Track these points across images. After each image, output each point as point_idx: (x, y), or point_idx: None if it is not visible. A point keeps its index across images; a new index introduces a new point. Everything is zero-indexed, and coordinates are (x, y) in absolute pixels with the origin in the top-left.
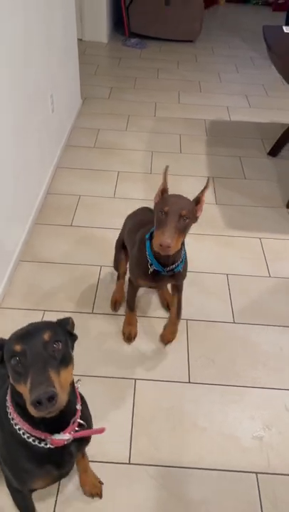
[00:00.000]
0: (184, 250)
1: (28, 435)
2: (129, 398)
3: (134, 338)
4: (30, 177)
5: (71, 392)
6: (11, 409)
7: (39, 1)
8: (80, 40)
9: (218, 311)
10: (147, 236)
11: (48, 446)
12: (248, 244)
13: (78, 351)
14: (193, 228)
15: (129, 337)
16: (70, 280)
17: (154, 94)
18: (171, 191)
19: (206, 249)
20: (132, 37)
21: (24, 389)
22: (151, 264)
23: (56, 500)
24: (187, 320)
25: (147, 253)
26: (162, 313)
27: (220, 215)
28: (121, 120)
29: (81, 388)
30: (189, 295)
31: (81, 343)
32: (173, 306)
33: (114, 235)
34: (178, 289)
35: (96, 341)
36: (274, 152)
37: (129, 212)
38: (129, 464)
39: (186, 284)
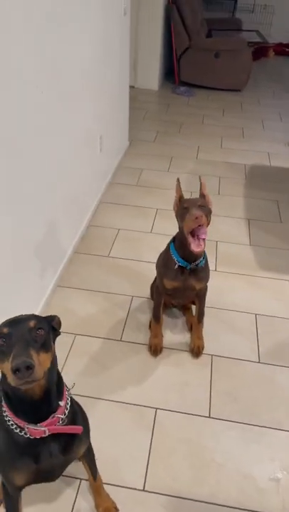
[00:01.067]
0: (205, 252)
1: (12, 423)
2: (149, 426)
3: (161, 351)
4: (76, 209)
5: (50, 385)
6: (3, 396)
7: (97, 52)
8: (132, 87)
9: (244, 349)
10: (170, 241)
11: (27, 435)
12: (279, 286)
13: (104, 376)
14: (226, 266)
15: (155, 350)
16: (102, 307)
17: (198, 138)
18: (208, 229)
19: (237, 288)
20: (182, 85)
21: (7, 365)
22: (176, 262)
23: None
24: (212, 355)
25: (172, 254)
26: (186, 345)
27: (253, 255)
28: (164, 161)
29: (104, 412)
30: (217, 331)
31: (107, 367)
32: (195, 314)
33: (148, 267)
34: (200, 298)
35: (121, 368)
36: None
37: (164, 247)
38: (144, 491)
39: (214, 320)
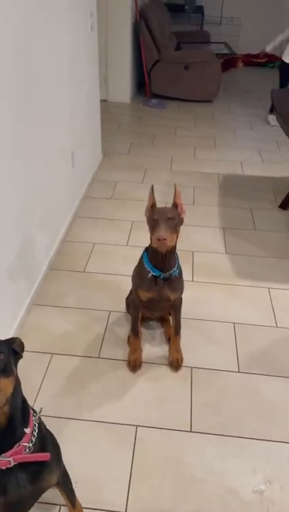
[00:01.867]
0: (178, 262)
1: None
2: (130, 445)
3: (140, 366)
4: (50, 224)
5: (14, 412)
6: None
7: (65, 69)
8: (104, 100)
9: (223, 359)
10: (144, 251)
11: None
12: (257, 294)
13: (83, 395)
14: (202, 276)
15: (134, 365)
16: (79, 324)
17: (171, 149)
18: (183, 239)
19: (214, 298)
20: (153, 97)
21: None
22: (149, 271)
23: None
24: (192, 368)
25: (145, 263)
26: (165, 358)
27: (229, 264)
28: (138, 173)
29: (83, 432)
30: (195, 342)
31: (85, 386)
32: (172, 326)
33: (124, 281)
34: (176, 309)
35: (100, 386)
36: (284, 205)
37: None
38: None
39: (193, 331)
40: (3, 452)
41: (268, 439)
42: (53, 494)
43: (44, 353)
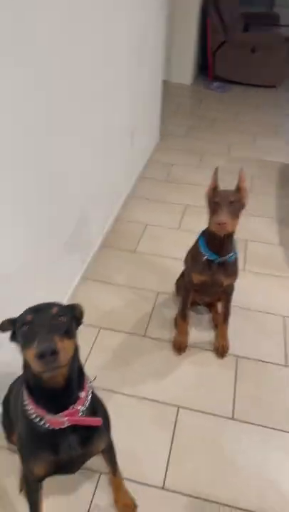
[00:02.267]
0: (235, 247)
1: (32, 412)
2: (170, 424)
3: (185, 349)
4: (105, 203)
5: (72, 375)
6: (23, 385)
7: (133, 47)
8: (165, 81)
9: (270, 352)
10: (200, 234)
11: (46, 426)
12: None
13: (127, 371)
14: (255, 266)
15: (179, 348)
16: (127, 302)
17: (230, 135)
18: (238, 227)
19: (265, 289)
20: (215, 80)
21: (31, 352)
22: (204, 255)
23: (89, 510)
24: (237, 356)
25: (200, 246)
26: (211, 343)
27: (283, 256)
28: (195, 157)
29: (125, 406)
30: (242, 332)
31: (130, 363)
32: (221, 313)
33: (174, 264)
34: (227, 296)
35: (144, 364)
36: None
37: (191, 244)
38: (163, 489)
39: (241, 320)
40: (59, 412)
41: None
42: (94, 462)
43: (92, 326)
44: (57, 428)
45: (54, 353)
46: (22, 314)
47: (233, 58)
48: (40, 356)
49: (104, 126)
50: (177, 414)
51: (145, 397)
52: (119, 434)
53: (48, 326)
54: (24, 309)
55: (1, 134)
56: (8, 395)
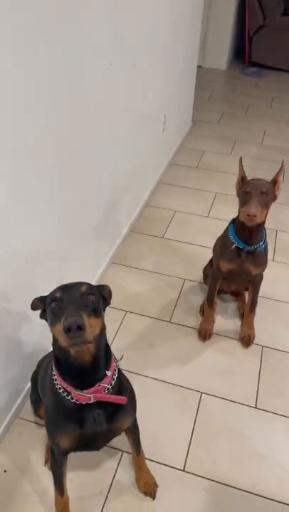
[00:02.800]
0: (265, 237)
1: (60, 386)
2: (193, 409)
3: (210, 337)
4: (135, 187)
5: (99, 352)
6: (53, 361)
7: (168, 30)
8: (199, 66)
9: None
10: (230, 222)
11: (73, 400)
12: None
13: (151, 355)
14: (284, 257)
15: (204, 335)
16: (153, 287)
17: (264, 122)
18: (268, 216)
19: None
20: (252, 66)
21: (59, 327)
22: (234, 243)
23: (110, 488)
24: (263, 346)
25: (230, 234)
26: (236, 332)
27: None
28: (227, 144)
29: (149, 389)
30: (268, 322)
31: (155, 347)
32: (248, 302)
33: (202, 252)
34: (255, 286)
35: (169, 349)
36: None
37: (220, 233)
38: (184, 471)
39: (268, 310)
40: (86, 389)
41: None
42: (117, 440)
43: (119, 309)
44: (84, 403)
45: (80, 328)
46: (52, 292)
47: (271, 43)
48: (67, 330)
49: (137, 110)
50: (200, 400)
51: (168, 381)
52: (142, 416)
53: (77, 303)
54: (54, 288)
55: (38, 126)
56: (36, 371)
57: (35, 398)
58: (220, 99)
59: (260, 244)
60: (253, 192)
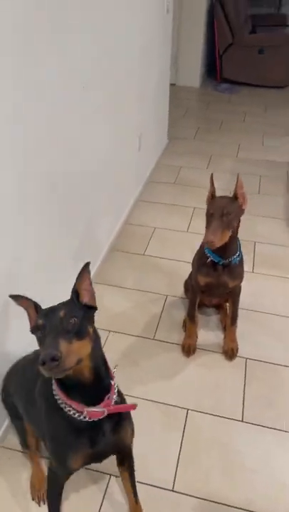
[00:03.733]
0: (240, 249)
1: (69, 408)
2: (180, 426)
3: (194, 352)
4: (114, 206)
5: (98, 367)
6: (55, 385)
7: (139, 51)
8: (173, 85)
9: (279, 353)
10: None
11: (85, 418)
12: None
13: (136, 373)
14: (263, 268)
15: (188, 350)
16: (136, 305)
17: (238, 136)
18: (246, 229)
19: (274, 291)
20: (223, 82)
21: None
22: (209, 256)
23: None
24: (246, 358)
25: (205, 248)
26: (219, 345)
27: None
28: (203, 159)
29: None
30: (251, 334)
31: (139, 364)
32: (228, 315)
33: (183, 267)
34: (234, 298)
35: (154, 366)
36: None
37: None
38: (173, 491)
39: (250, 322)
40: (96, 404)
41: None
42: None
43: (102, 329)
44: (96, 419)
45: (55, 359)
46: (38, 317)
47: (240, 60)
48: (42, 363)
49: (112, 131)
50: (186, 417)
51: (153, 400)
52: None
53: (55, 331)
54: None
55: (16, 141)
56: (6, 393)
57: (21, 426)
58: (194, 116)
59: (235, 257)
60: (214, 214)
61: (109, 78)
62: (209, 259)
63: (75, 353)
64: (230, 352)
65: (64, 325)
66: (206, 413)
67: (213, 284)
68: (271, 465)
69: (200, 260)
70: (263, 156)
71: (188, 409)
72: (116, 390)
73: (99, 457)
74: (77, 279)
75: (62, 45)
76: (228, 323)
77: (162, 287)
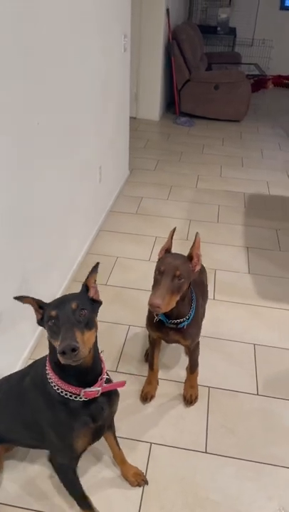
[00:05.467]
0: (194, 311)
1: (65, 392)
2: (143, 462)
3: (151, 399)
4: (75, 237)
5: (96, 353)
6: (49, 371)
7: (97, 87)
8: (134, 118)
9: (242, 381)
10: None
11: (82, 399)
12: (279, 316)
13: None
14: (224, 295)
15: (144, 397)
16: (98, 336)
17: (197, 167)
18: (206, 257)
19: (235, 317)
20: (182, 116)
21: (57, 343)
22: (157, 314)
23: None
24: (209, 387)
25: None
26: (183, 376)
27: (252, 284)
28: (164, 190)
29: (96, 445)
30: (214, 362)
31: None
32: (187, 365)
33: (146, 296)
34: (190, 352)
35: None
36: None
37: None
38: None
39: (212, 350)
40: (91, 385)
41: (285, 466)
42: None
43: None
44: (92, 398)
45: (74, 349)
46: (48, 309)
47: (197, 95)
48: (63, 353)
49: (71, 165)
50: (150, 451)
51: (117, 435)
52: (89, 476)
53: (70, 321)
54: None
55: None
56: None
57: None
58: (155, 148)
59: (184, 319)
60: (165, 274)
61: (66, 113)
62: (156, 319)
63: (87, 342)
64: (188, 398)
65: (76, 316)
66: (170, 446)
67: (166, 339)
68: (234, 496)
69: (150, 314)
70: (222, 187)
71: (151, 443)
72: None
73: (99, 432)
74: (88, 275)
75: (17, 89)
76: (188, 372)
77: (125, 318)
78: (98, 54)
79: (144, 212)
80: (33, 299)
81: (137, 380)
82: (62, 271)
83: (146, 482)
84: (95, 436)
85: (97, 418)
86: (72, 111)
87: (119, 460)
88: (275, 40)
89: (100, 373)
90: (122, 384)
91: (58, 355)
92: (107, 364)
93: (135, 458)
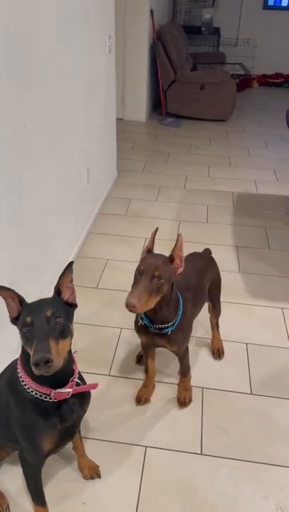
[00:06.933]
0: (180, 317)
1: (35, 392)
2: (138, 466)
3: (145, 402)
4: (64, 241)
5: (69, 356)
6: (20, 371)
7: (83, 89)
8: (120, 119)
9: (235, 380)
10: None
11: (52, 400)
12: (270, 314)
13: (90, 412)
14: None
15: (139, 399)
16: (90, 341)
17: (185, 168)
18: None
19: (226, 317)
20: (169, 117)
21: (31, 351)
22: (141, 318)
23: None
24: (203, 388)
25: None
26: (177, 377)
27: (243, 283)
28: (152, 191)
29: (90, 451)
30: (207, 363)
31: (95, 404)
32: (179, 369)
33: None
34: (179, 358)
35: (110, 404)
36: None
37: None
38: None
39: (204, 350)
40: (62, 387)
41: (281, 465)
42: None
43: None
44: (62, 399)
45: (48, 361)
46: (23, 314)
47: (183, 95)
48: (36, 365)
49: (58, 167)
50: (145, 455)
51: (110, 440)
52: (84, 481)
53: (44, 331)
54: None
55: None
56: None
57: None
58: (142, 149)
59: (168, 325)
60: (144, 274)
61: (52, 115)
62: (141, 323)
63: (61, 352)
64: (182, 400)
65: (51, 325)
66: (165, 449)
67: (153, 344)
68: (231, 497)
69: (136, 318)
70: (210, 187)
71: (146, 447)
72: (78, 372)
73: (68, 433)
74: (60, 277)
75: (1, 91)
76: (180, 376)
77: (116, 320)
78: (83, 55)
79: (133, 214)
80: (14, 292)
81: (131, 384)
82: (52, 273)
83: (99, 476)
84: (64, 437)
85: (67, 419)
86: (58, 113)
87: (79, 453)
88: (259, 40)
89: (72, 374)
90: (94, 386)
91: (32, 366)
92: (100, 368)
93: (130, 462)
